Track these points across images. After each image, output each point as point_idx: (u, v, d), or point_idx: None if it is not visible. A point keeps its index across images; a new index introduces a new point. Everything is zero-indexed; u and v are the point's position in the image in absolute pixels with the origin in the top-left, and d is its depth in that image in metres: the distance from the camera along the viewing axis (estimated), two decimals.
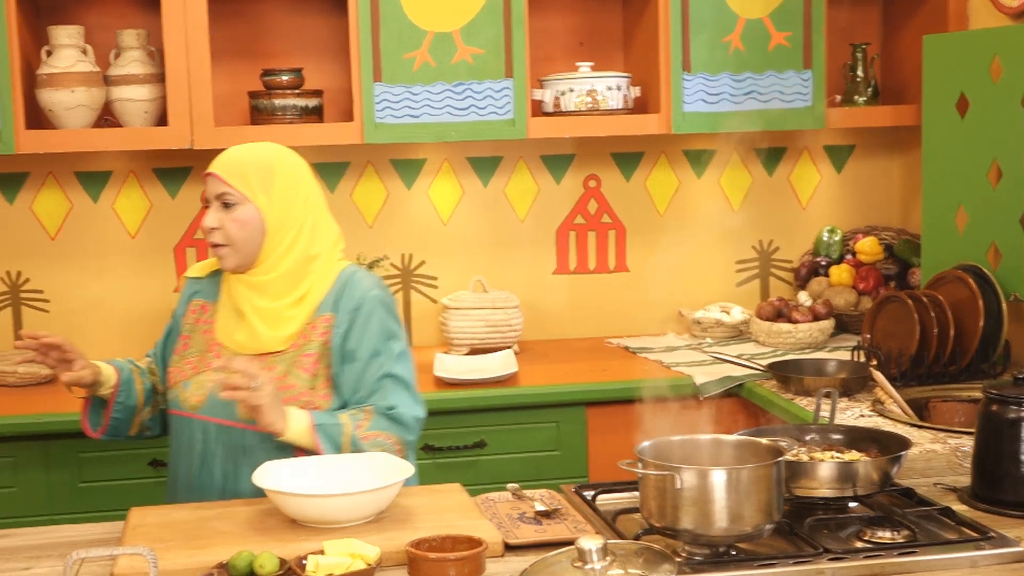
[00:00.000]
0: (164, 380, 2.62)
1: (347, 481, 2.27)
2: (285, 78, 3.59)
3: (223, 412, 2.46)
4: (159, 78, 3.47)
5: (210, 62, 3.42)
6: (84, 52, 3.44)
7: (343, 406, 2.48)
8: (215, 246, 2.47)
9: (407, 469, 2.25)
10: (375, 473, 2.28)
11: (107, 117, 3.55)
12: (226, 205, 2.46)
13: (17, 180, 3.69)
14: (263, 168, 2.49)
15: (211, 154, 3.68)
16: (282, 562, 1.93)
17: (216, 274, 2.61)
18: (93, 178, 3.73)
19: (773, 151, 4.04)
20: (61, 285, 3.74)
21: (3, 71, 3.30)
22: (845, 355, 3.37)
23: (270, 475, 2.25)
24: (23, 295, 3.72)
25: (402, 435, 2.45)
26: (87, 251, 3.74)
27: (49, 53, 3.42)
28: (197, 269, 2.67)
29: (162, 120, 3.48)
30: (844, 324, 3.84)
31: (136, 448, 3.13)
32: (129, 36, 3.48)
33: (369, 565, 1.92)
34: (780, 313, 3.76)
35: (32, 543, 2.21)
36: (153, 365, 2.66)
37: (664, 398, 3.31)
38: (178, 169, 3.77)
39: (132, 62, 3.47)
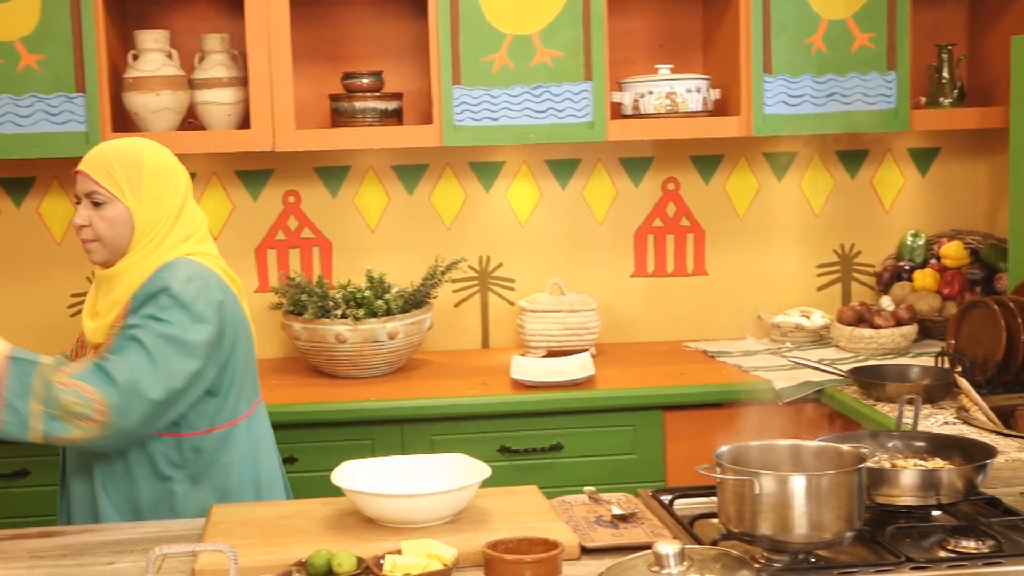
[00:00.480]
0: None
1: (425, 481, 2.28)
2: (365, 81, 3.62)
3: None
4: (242, 81, 3.52)
5: (292, 65, 3.46)
6: (169, 56, 3.50)
7: None
8: (85, 241, 2.51)
9: (484, 471, 2.25)
10: (453, 474, 2.29)
11: (191, 120, 3.61)
12: (96, 203, 2.49)
13: None
14: (131, 166, 2.50)
15: (292, 156, 3.76)
16: (359, 561, 1.95)
17: None
18: None
19: (855, 153, 3.99)
20: None
21: (91, 75, 3.36)
22: (929, 361, 3.31)
23: (349, 475, 2.27)
24: None
25: (108, 395, 2.32)
26: None
27: (135, 57, 3.48)
28: None
29: (244, 123, 3.53)
30: (928, 330, 3.78)
31: None
32: (213, 40, 3.53)
33: (446, 566, 1.93)
34: (862, 318, 3.71)
35: (116, 539, 2.25)
36: None
37: (743, 402, 3.29)
38: (259, 171, 3.81)
39: (216, 66, 3.52)
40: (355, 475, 2.28)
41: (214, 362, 2.47)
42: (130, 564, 2.10)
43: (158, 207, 2.51)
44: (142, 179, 2.50)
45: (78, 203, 2.52)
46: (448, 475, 2.29)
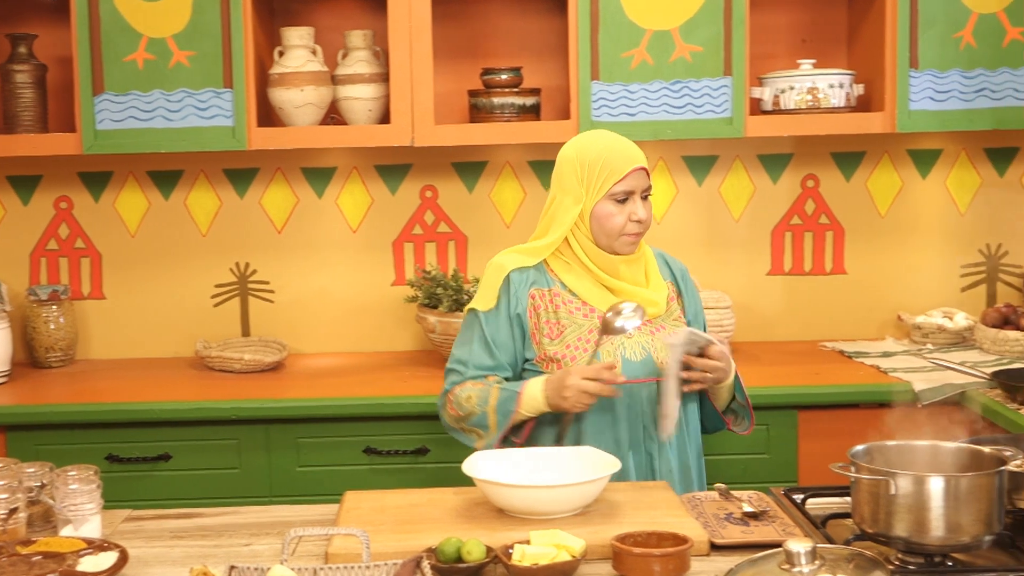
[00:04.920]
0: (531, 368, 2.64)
1: (555, 473, 2.29)
2: (504, 77, 3.64)
3: (644, 371, 2.58)
4: (383, 77, 3.57)
5: (432, 62, 3.50)
6: (314, 52, 3.57)
7: None
8: (635, 235, 2.62)
9: (614, 464, 2.25)
10: (582, 466, 2.29)
11: (333, 115, 3.67)
12: (644, 197, 2.63)
13: (248, 175, 3.86)
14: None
15: (430, 152, 3.80)
16: (488, 550, 1.97)
17: (532, 266, 2.64)
18: (318, 174, 3.87)
19: (1004, 151, 3.87)
20: (285, 276, 3.89)
21: (238, 71, 3.45)
22: None
23: (479, 465, 2.29)
24: (250, 285, 3.89)
25: None
26: (311, 244, 3.88)
27: (281, 53, 3.56)
28: (517, 260, 2.65)
29: (385, 118, 3.58)
30: None
31: (351, 436, 3.25)
32: (356, 37, 3.60)
33: (574, 557, 1.93)
34: (1007, 320, 3.60)
35: (253, 521, 2.31)
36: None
37: (881, 403, 3.22)
38: (398, 166, 3.87)
39: (358, 62, 3.58)
40: (486, 465, 2.30)
41: None
42: (266, 546, 2.15)
43: None
44: None
45: (623, 200, 2.60)
46: (578, 467, 2.29)
